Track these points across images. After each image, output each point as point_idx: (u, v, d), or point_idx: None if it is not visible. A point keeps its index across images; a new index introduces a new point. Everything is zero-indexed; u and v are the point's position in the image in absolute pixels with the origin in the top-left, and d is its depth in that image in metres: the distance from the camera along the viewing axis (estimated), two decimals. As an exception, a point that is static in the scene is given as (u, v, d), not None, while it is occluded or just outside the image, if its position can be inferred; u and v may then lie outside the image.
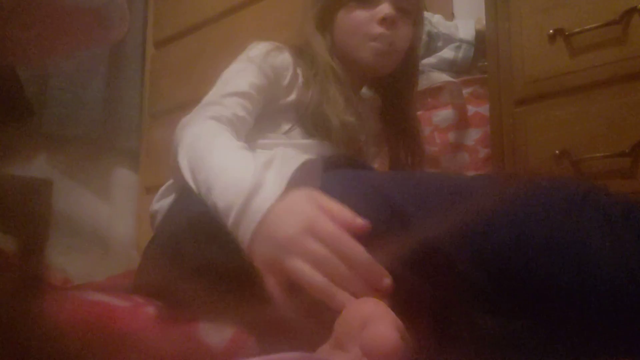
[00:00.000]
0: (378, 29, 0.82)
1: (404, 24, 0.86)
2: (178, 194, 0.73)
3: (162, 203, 0.77)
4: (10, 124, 0.65)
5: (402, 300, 0.47)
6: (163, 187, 0.79)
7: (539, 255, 0.45)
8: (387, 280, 0.47)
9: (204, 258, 0.57)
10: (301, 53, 0.87)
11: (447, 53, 1.19)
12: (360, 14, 0.84)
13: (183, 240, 0.61)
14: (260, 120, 0.79)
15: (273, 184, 0.53)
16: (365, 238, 0.52)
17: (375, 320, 0.43)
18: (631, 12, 0.82)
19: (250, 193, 0.52)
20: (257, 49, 0.83)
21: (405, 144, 0.97)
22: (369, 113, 0.95)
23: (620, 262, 0.42)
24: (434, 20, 1.24)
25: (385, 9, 0.82)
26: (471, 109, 1.10)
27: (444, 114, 1.11)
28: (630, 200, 0.47)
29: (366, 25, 0.83)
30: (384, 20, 0.82)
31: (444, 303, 0.49)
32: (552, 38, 0.88)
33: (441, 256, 0.48)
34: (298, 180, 0.55)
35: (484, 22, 1.02)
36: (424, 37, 1.22)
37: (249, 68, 0.80)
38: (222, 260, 0.56)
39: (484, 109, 1.08)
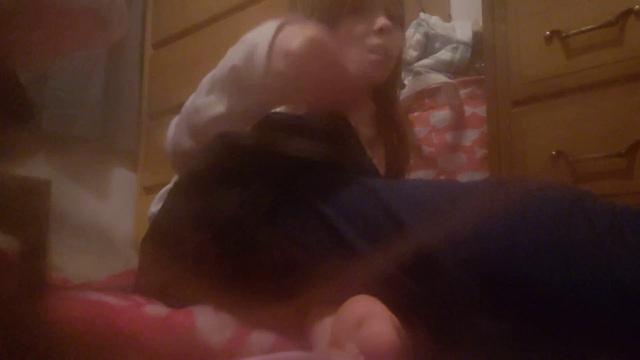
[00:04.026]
0: (376, 40, 0.84)
1: (396, 31, 0.87)
2: (171, 191, 0.73)
3: (160, 206, 0.77)
4: (10, 124, 0.65)
5: (397, 302, 0.48)
6: (162, 191, 0.80)
7: (528, 261, 0.46)
8: None
9: (199, 244, 0.58)
10: None
11: (445, 54, 1.19)
12: (357, 26, 0.84)
13: (178, 230, 0.62)
14: None
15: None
16: (361, 241, 0.52)
17: (371, 318, 0.43)
18: (627, 13, 0.82)
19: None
20: None
21: (398, 145, 0.98)
22: (364, 119, 0.96)
23: (605, 267, 0.43)
24: (431, 21, 1.24)
25: (381, 19, 0.83)
26: (468, 110, 1.11)
27: (441, 115, 1.11)
28: (617, 207, 0.48)
29: (363, 38, 0.84)
30: (381, 31, 0.83)
31: (439, 305, 0.50)
32: (548, 39, 0.89)
33: (433, 262, 0.49)
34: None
35: (481, 23, 1.03)
36: (422, 38, 1.22)
37: None
38: (217, 245, 0.56)
39: (481, 109, 1.09)
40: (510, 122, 0.92)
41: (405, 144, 0.99)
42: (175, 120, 0.78)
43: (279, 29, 0.62)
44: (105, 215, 1.83)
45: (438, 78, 1.14)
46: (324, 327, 0.51)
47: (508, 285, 0.46)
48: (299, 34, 0.60)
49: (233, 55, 0.67)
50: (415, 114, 1.15)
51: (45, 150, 1.66)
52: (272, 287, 0.56)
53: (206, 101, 0.70)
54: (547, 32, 0.88)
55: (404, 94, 1.16)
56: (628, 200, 0.80)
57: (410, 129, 1.09)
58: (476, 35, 1.18)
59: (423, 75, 1.17)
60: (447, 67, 1.19)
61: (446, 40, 1.20)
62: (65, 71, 1.69)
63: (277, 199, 0.57)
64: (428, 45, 1.23)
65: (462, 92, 1.12)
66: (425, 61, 1.20)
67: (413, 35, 1.23)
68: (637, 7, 0.81)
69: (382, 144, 1.00)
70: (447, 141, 1.11)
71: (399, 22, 0.88)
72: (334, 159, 0.64)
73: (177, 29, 1.86)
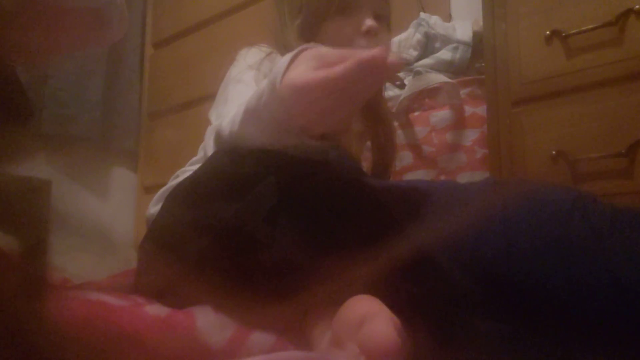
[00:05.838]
0: (362, 41, 0.84)
1: (383, 31, 0.87)
2: (169, 195, 0.73)
3: (158, 207, 0.77)
4: (10, 124, 0.65)
5: (398, 302, 0.48)
6: (160, 191, 0.80)
7: (528, 263, 0.46)
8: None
9: (199, 249, 0.58)
10: None
11: (445, 54, 1.19)
12: (344, 26, 0.84)
13: (177, 233, 0.62)
14: None
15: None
16: (361, 242, 0.52)
17: (372, 318, 0.43)
18: (627, 13, 0.82)
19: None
20: (253, 55, 0.84)
21: (385, 141, 0.99)
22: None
23: (605, 268, 0.43)
24: (431, 21, 1.24)
25: (368, 21, 0.84)
26: (468, 110, 1.11)
27: (441, 115, 1.11)
28: (617, 208, 0.48)
29: (350, 37, 0.84)
30: (368, 33, 0.84)
31: (439, 306, 0.50)
32: (548, 39, 0.89)
33: (434, 263, 0.49)
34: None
35: (481, 23, 1.03)
36: (422, 38, 1.22)
37: (251, 75, 0.81)
38: (217, 250, 0.56)
39: (481, 109, 1.09)
40: (510, 121, 0.92)
41: (392, 140, 1.00)
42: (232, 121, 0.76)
43: (291, 61, 0.56)
44: (105, 215, 1.83)
45: (438, 78, 1.14)
46: (325, 327, 0.51)
47: (508, 286, 0.46)
48: (304, 66, 0.54)
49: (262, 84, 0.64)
50: (415, 113, 1.15)
51: (45, 150, 1.67)
52: (273, 287, 0.56)
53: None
54: (547, 32, 0.88)
55: (404, 94, 1.16)
56: (628, 200, 0.80)
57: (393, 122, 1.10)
58: (476, 35, 1.18)
59: (423, 75, 1.17)
60: (447, 67, 1.19)
61: (446, 40, 1.20)
62: (65, 71, 1.69)
63: (276, 203, 0.57)
64: (428, 45, 1.23)
65: (462, 92, 1.12)
66: (426, 61, 1.20)
67: (413, 35, 1.23)
68: (637, 7, 0.81)
69: (370, 140, 1.00)
70: (447, 141, 1.11)
71: (386, 22, 0.89)
72: (329, 162, 0.64)
73: (177, 29, 1.86)
